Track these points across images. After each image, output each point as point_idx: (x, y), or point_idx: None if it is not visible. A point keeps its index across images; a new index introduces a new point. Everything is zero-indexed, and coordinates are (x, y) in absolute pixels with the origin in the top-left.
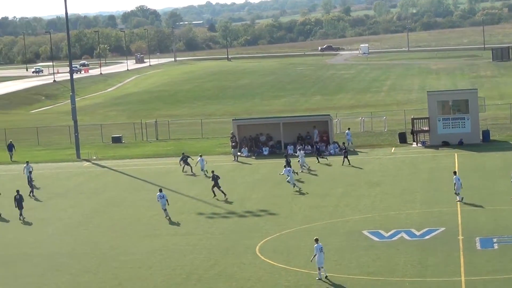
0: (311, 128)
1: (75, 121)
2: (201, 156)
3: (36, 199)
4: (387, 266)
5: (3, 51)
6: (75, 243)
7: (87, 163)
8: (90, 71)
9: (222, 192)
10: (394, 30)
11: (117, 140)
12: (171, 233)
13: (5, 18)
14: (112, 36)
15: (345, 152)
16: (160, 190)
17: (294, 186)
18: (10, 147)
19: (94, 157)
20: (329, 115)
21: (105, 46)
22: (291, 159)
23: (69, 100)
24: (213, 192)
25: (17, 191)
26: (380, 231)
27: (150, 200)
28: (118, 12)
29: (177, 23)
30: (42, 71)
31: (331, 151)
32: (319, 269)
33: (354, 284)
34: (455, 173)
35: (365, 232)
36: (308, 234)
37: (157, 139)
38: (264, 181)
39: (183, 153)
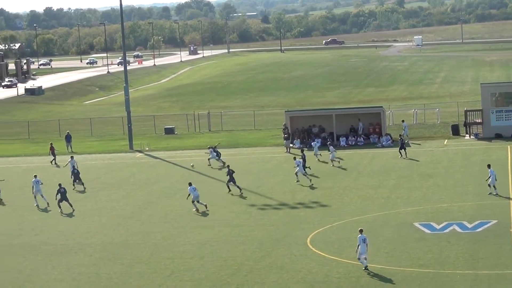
0: (357, 121)
1: (129, 112)
2: (209, 147)
3: (80, 192)
4: (438, 259)
5: (58, 42)
6: (128, 233)
7: (139, 154)
8: (143, 62)
9: (238, 187)
10: (448, 21)
11: (170, 131)
12: (223, 224)
13: (60, 10)
14: (166, 27)
15: (402, 144)
16: (190, 184)
17: (296, 177)
18: (68, 138)
19: (147, 148)
20: (381, 107)
21: (159, 37)
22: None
23: (123, 91)
24: (228, 187)
25: (59, 185)
26: (431, 223)
27: (201, 191)
28: (172, 4)
29: (231, 15)
30: (96, 62)
31: (383, 143)
32: (359, 258)
33: (405, 276)
34: (489, 166)
35: (417, 224)
36: (360, 226)
37: (209, 130)
38: (316, 172)
39: (211, 147)
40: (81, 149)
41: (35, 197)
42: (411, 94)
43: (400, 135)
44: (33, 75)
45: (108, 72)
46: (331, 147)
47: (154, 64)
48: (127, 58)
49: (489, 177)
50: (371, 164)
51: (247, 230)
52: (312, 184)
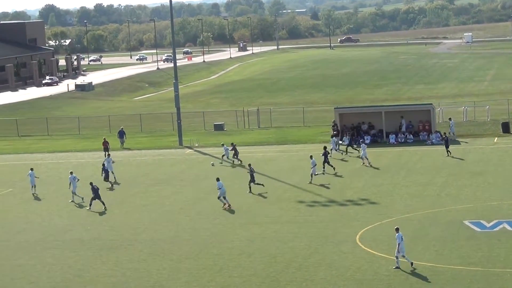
0: (406, 118)
1: (178, 108)
2: (223, 144)
3: (110, 189)
4: (488, 257)
5: (108, 38)
6: (177, 229)
7: (189, 150)
8: (193, 58)
9: (258, 184)
10: (498, 19)
11: (219, 127)
12: (272, 221)
13: (110, 6)
14: (215, 24)
15: (446, 141)
16: (218, 179)
17: (311, 178)
18: (121, 134)
19: (196, 144)
20: (431, 104)
21: (209, 34)
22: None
23: (172, 88)
24: (249, 187)
25: (91, 183)
26: (481, 221)
27: (251, 187)
28: (221, 0)
29: (280, 11)
30: (146, 58)
31: (433, 141)
32: (397, 258)
33: (455, 274)
34: None
35: (467, 222)
36: (409, 223)
37: (259, 127)
38: (365, 169)
39: (232, 143)
40: (131, 145)
41: (72, 193)
42: (461, 92)
43: (444, 133)
44: (83, 71)
45: (157, 68)
46: (363, 145)
47: (204, 61)
48: (172, 55)
49: None
50: (420, 161)
51: (296, 227)
52: (328, 185)
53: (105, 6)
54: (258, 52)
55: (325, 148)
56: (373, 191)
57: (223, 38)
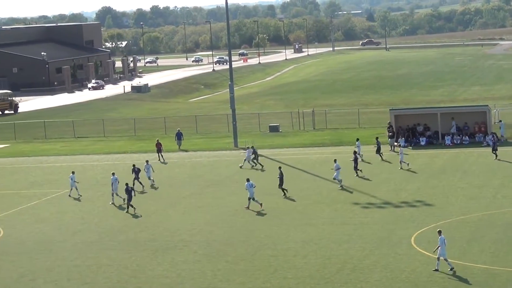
0: (462, 119)
1: (233, 110)
2: (249, 147)
3: (142, 192)
4: None
5: (164, 40)
6: (232, 230)
7: (244, 152)
8: (248, 60)
9: (283, 189)
10: None
11: (274, 129)
12: (327, 223)
13: (167, 8)
14: (271, 25)
15: (494, 144)
16: (248, 180)
17: (340, 185)
18: (179, 136)
19: (252, 146)
20: (487, 105)
21: (264, 35)
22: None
23: (228, 89)
24: (283, 191)
25: (127, 184)
26: None
27: (305, 189)
28: (277, 2)
29: (335, 13)
30: (201, 60)
31: (489, 142)
32: (438, 259)
33: (511, 277)
34: None
35: None
36: (465, 226)
37: (314, 128)
38: (420, 171)
39: (252, 147)
40: (186, 146)
41: (112, 195)
42: None
43: (494, 134)
44: (139, 72)
45: (213, 70)
46: (400, 149)
47: (259, 62)
48: (223, 56)
49: None
50: (476, 163)
51: (351, 228)
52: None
53: (161, 8)
54: (313, 53)
55: (354, 152)
56: (428, 193)
57: (279, 40)
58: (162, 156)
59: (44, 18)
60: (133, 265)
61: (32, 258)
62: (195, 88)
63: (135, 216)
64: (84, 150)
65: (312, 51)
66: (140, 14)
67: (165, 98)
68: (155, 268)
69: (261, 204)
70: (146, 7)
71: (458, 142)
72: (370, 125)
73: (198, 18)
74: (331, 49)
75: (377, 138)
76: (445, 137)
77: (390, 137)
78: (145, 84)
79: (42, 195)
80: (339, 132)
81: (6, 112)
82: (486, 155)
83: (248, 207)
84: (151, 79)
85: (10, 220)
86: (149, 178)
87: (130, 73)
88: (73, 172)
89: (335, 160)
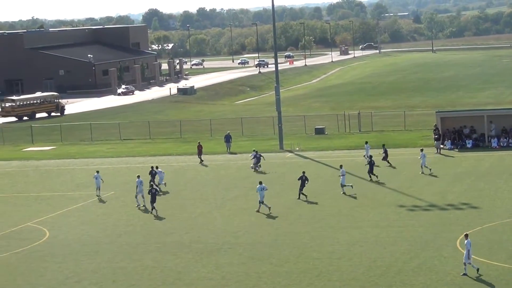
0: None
1: (279, 112)
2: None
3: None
4: None
5: (210, 42)
6: (277, 233)
7: (289, 154)
8: (295, 62)
9: (303, 194)
10: None
11: (320, 131)
12: (372, 225)
13: (213, 10)
14: (317, 28)
15: None
16: (260, 183)
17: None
18: (228, 138)
19: (297, 148)
20: None
21: (310, 37)
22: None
23: (274, 91)
24: (304, 194)
25: (151, 185)
26: None
27: (351, 191)
28: (324, 4)
29: (382, 15)
30: (247, 62)
31: None
32: (465, 264)
33: None
34: None
35: None
36: (511, 228)
37: (359, 130)
38: (467, 174)
39: (254, 150)
40: (233, 149)
41: (136, 197)
42: None
43: None
44: (185, 75)
45: (259, 72)
46: (422, 153)
47: (305, 64)
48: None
49: None
50: None
51: (396, 231)
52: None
53: (207, 10)
54: (360, 55)
55: (371, 157)
56: (474, 195)
57: (325, 42)
58: (201, 158)
59: (91, 20)
60: (178, 267)
61: (77, 260)
62: (241, 90)
63: (157, 217)
64: (130, 152)
65: (358, 53)
66: (186, 16)
67: (211, 100)
68: (200, 270)
69: (269, 208)
70: (193, 9)
71: (505, 144)
72: (416, 127)
73: (244, 20)
74: (377, 51)
75: (383, 145)
76: (492, 139)
77: (436, 139)
78: (191, 86)
79: (88, 197)
80: (385, 134)
81: (53, 114)
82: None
83: (258, 210)
84: (197, 81)
85: (56, 222)
86: (164, 184)
87: (176, 75)
88: (97, 171)
89: (341, 166)
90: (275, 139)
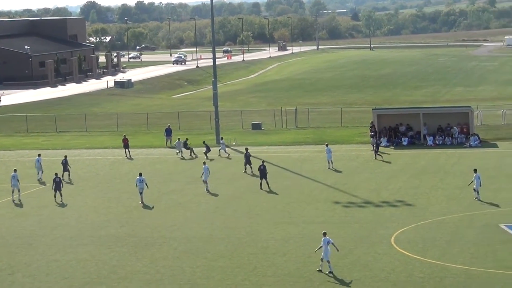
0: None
1: (216, 107)
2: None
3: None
4: None
5: (148, 36)
6: (212, 228)
7: (226, 149)
8: (232, 57)
9: (267, 183)
10: None
11: (256, 126)
12: (307, 221)
13: (151, 4)
14: (255, 23)
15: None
16: (140, 174)
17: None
18: (168, 132)
19: (234, 143)
20: (470, 107)
21: (249, 33)
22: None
23: (211, 86)
24: (266, 183)
25: (56, 174)
26: None
27: (287, 187)
28: (262, 0)
29: (320, 12)
30: (185, 62)
31: (471, 143)
32: (322, 260)
33: (490, 278)
34: (475, 170)
35: (503, 226)
36: (445, 226)
37: (296, 126)
38: (402, 171)
39: (204, 142)
40: (169, 143)
41: (12, 192)
42: (500, 95)
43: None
44: (123, 68)
45: (197, 66)
46: (327, 148)
47: (243, 60)
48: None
49: (473, 181)
50: (458, 164)
51: (331, 227)
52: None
53: (146, 3)
54: (297, 52)
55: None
56: (409, 192)
57: (263, 38)
58: (129, 152)
59: (28, 11)
60: (112, 261)
61: (11, 253)
62: (178, 84)
63: (61, 204)
64: (66, 144)
65: (296, 49)
66: (124, 9)
67: (148, 94)
68: (135, 264)
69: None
70: (131, 3)
71: (440, 142)
72: (352, 124)
73: (183, 15)
74: (315, 47)
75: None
76: (427, 137)
77: (372, 136)
78: (128, 80)
79: (22, 189)
80: (321, 130)
81: None
82: (468, 156)
83: (142, 202)
84: (134, 75)
85: None
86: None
87: (113, 68)
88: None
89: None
90: (211, 133)
